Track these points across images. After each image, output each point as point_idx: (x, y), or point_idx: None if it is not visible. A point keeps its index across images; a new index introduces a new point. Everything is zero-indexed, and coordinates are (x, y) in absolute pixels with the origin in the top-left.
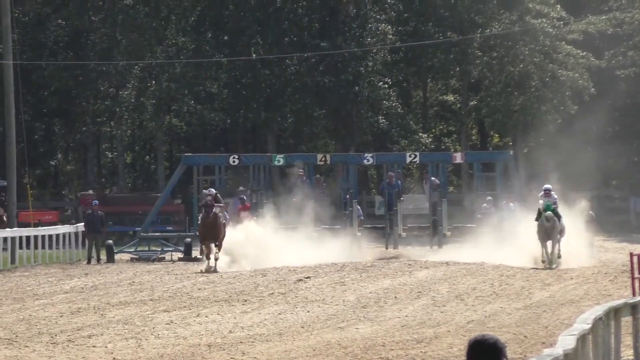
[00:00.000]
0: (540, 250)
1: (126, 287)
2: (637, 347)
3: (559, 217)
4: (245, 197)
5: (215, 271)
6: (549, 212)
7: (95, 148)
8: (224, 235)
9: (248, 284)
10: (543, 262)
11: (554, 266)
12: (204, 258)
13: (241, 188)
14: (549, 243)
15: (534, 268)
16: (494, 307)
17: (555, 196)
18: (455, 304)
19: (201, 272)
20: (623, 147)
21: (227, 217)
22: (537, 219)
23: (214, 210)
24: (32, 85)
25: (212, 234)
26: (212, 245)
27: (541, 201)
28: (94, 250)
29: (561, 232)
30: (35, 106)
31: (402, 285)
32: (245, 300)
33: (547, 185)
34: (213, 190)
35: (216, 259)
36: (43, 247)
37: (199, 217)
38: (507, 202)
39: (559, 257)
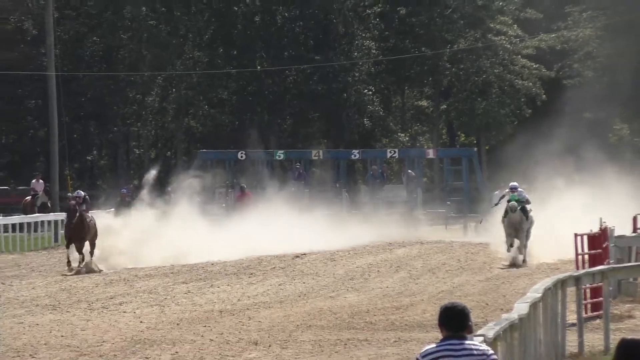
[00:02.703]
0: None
1: None
2: (579, 313)
3: (526, 213)
4: (245, 186)
5: (93, 270)
6: (513, 203)
7: (124, 145)
8: (95, 235)
9: (253, 261)
10: (509, 254)
11: (519, 265)
12: (67, 260)
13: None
14: (516, 242)
15: (501, 268)
16: (461, 279)
17: (525, 194)
18: (428, 277)
19: (72, 270)
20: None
21: (93, 218)
22: (504, 214)
23: (77, 214)
24: (71, 93)
25: (78, 236)
26: (80, 247)
27: (507, 197)
28: None
29: (528, 230)
30: (74, 110)
31: (383, 261)
32: (251, 274)
33: (514, 183)
34: (82, 192)
35: (81, 262)
36: None
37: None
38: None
39: (524, 261)
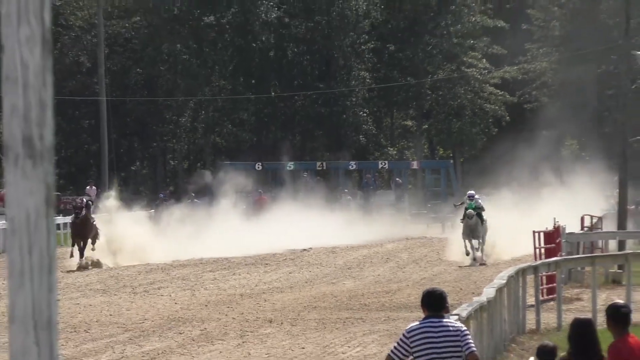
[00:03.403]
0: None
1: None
2: (537, 296)
3: (482, 219)
4: (262, 191)
5: (98, 265)
6: (470, 211)
7: (162, 158)
8: (96, 234)
9: (268, 254)
10: (467, 253)
11: (477, 264)
12: (70, 256)
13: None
14: (475, 242)
15: (461, 266)
16: (439, 268)
17: (480, 201)
18: (412, 266)
19: (78, 268)
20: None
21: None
22: (463, 219)
23: (83, 212)
24: (119, 115)
25: (82, 234)
26: (82, 244)
27: (466, 204)
28: None
29: (484, 233)
30: (121, 129)
31: (375, 253)
32: (267, 264)
33: (471, 192)
34: (84, 199)
35: (81, 257)
36: None
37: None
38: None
39: (484, 260)
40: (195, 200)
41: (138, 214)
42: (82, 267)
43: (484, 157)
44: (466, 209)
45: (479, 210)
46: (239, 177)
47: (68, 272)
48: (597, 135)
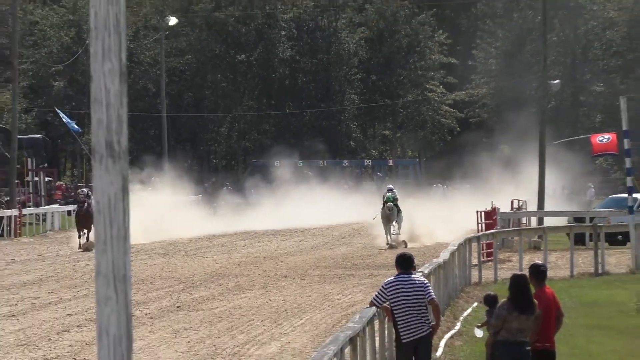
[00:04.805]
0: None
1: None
2: (479, 258)
3: (398, 209)
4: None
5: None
6: (390, 203)
7: (207, 158)
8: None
9: (284, 227)
10: (387, 244)
11: (395, 245)
12: (78, 240)
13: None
14: (391, 227)
15: (381, 248)
16: None
17: (396, 193)
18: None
19: (81, 249)
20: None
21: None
22: (382, 208)
23: (86, 204)
24: (175, 127)
25: (86, 224)
26: (86, 231)
27: (385, 196)
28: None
29: (398, 221)
30: (176, 137)
31: (362, 227)
32: (283, 235)
33: (390, 186)
34: (85, 189)
35: (87, 240)
36: None
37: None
38: (437, 185)
39: (404, 242)
40: (229, 188)
41: (190, 198)
42: (87, 249)
43: (441, 157)
44: (385, 201)
45: (396, 201)
46: (263, 172)
47: (75, 251)
48: (522, 141)
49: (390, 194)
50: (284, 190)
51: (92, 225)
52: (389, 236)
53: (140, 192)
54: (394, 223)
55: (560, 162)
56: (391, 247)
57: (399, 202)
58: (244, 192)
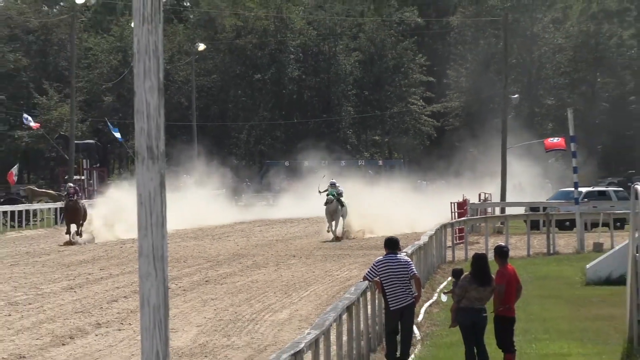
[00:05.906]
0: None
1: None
2: (453, 240)
3: (342, 203)
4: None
5: (78, 243)
6: (330, 197)
7: (230, 158)
8: (84, 217)
9: (293, 215)
10: (327, 230)
11: (339, 238)
12: (66, 233)
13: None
14: (334, 222)
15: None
16: None
17: (341, 188)
18: (381, 222)
19: (67, 243)
20: (446, 160)
21: (84, 204)
22: (325, 204)
23: (74, 197)
24: (204, 134)
25: (73, 217)
26: (74, 225)
27: (327, 191)
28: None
29: (343, 215)
30: (204, 143)
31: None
32: (292, 222)
33: (333, 180)
34: (71, 184)
35: (78, 234)
36: None
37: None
38: (420, 181)
39: (344, 234)
40: (248, 183)
41: (215, 192)
42: (72, 243)
43: (422, 159)
44: (327, 195)
45: (339, 196)
46: (276, 171)
47: (61, 245)
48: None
49: (332, 189)
50: (293, 185)
51: (80, 221)
52: (332, 229)
53: (178, 191)
54: (340, 217)
55: (520, 162)
56: (337, 239)
57: (342, 198)
58: (260, 188)
